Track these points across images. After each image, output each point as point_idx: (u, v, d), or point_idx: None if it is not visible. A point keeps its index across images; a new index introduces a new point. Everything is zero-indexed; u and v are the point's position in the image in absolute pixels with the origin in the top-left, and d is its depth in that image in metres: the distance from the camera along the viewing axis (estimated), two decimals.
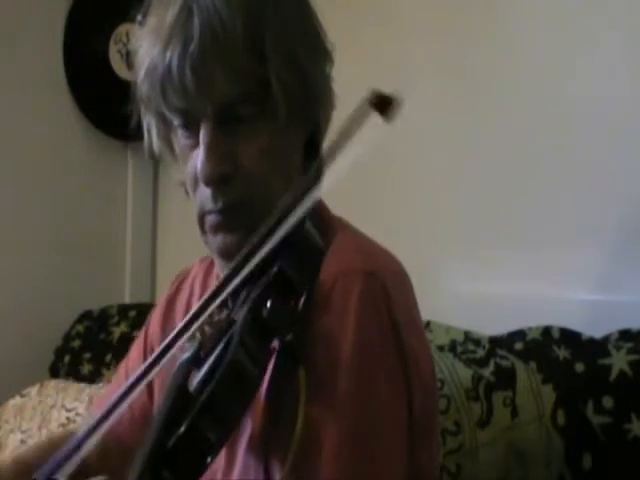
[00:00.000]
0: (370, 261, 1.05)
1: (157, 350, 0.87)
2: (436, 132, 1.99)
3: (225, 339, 0.86)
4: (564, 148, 1.78)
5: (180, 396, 0.83)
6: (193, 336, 0.90)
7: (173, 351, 0.88)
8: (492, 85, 1.90)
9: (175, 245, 2.65)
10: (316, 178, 1.13)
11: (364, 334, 1.00)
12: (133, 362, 1.29)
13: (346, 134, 0.87)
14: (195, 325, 0.87)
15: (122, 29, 2.58)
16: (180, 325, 0.87)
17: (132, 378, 0.88)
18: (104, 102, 2.62)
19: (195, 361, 0.88)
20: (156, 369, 0.88)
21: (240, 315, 0.87)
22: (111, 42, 2.58)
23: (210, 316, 0.90)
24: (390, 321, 1.03)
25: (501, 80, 1.89)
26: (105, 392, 1.38)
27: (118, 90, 2.56)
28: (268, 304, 0.86)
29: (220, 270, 1.13)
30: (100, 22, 2.60)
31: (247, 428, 1.04)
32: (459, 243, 1.93)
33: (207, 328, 0.90)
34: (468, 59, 1.94)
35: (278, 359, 0.96)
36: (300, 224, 0.90)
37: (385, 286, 1.03)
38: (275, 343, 0.90)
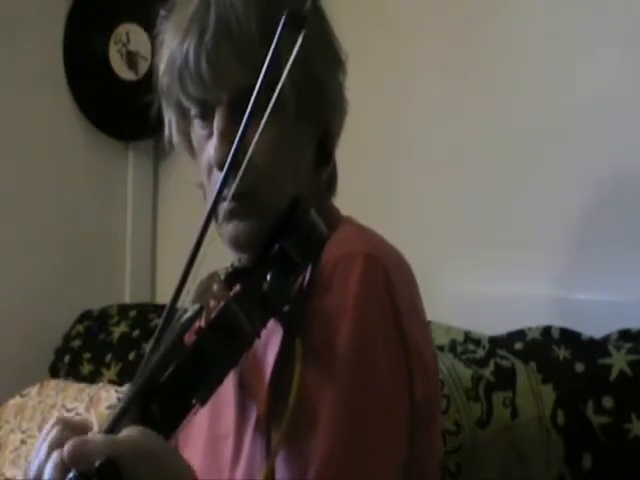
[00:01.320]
0: (372, 246, 1.08)
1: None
2: (436, 132, 1.99)
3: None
4: (565, 148, 1.78)
5: (176, 346, 0.89)
6: (195, 301, 0.93)
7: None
8: (493, 86, 1.90)
9: (175, 245, 2.65)
10: (324, 188, 1.17)
11: (363, 310, 1.02)
12: None
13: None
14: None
15: (122, 29, 2.58)
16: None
17: None
18: (104, 102, 2.62)
19: (195, 328, 0.91)
20: None
21: (242, 286, 0.93)
22: (111, 42, 2.58)
23: (214, 290, 0.94)
24: (391, 304, 1.05)
25: (502, 81, 1.89)
26: None
27: (118, 90, 2.59)
28: (268, 277, 0.91)
29: (235, 261, 1.14)
30: (100, 22, 2.60)
31: (254, 415, 1.06)
32: (459, 243, 1.93)
33: (212, 302, 0.93)
34: (468, 60, 1.94)
35: (284, 342, 0.99)
36: (305, 208, 0.95)
37: (386, 270, 1.05)
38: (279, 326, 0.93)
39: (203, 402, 0.89)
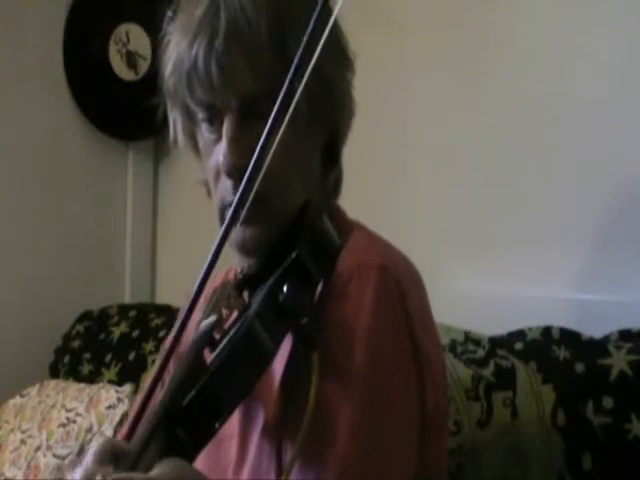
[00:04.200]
0: (385, 257, 1.08)
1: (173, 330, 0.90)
2: (436, 131, 1.99)
3: (241, 321, 0.89)
4: (566, 148, 1.77)
5: (195, 363, 0.87)
6: (208, 315, 0.92)
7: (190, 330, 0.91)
8: (494, 84, 1.90)
9: (175, 245, 2.65)
10: (331, 190, 1.16)
11: (378, 323, 1.03)
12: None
13: None
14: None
15: (122, 29, 2.58)
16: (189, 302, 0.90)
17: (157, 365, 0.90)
18: (104, 102, 2.62)
19: (210, 341, 0.90)
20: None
21: (257, 299, 0.91)
22: (111, 42, 2.58)
23: (227, 299, 0.93)
24: (404, 314, 1.05)
25: (503, 79, 1.89)
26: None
27: (118, 90, 2.59)
28: (285, 288, 0.89)
29: (239, 265, 1.14)
30: (100, 22, 2.60)
31: (260, 419, 1.06)
32: (459, 243, 1.93)
33: (225, 311, 0.93)
34: (468, 59, 1.94)
35: (294, 350, 0.98)
36: (317, 216, 0.94)
37: (399, 281, 1.06)
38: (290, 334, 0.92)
39: (223, 424, 0.88)
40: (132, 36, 2.57)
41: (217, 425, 0.86)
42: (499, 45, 1.89)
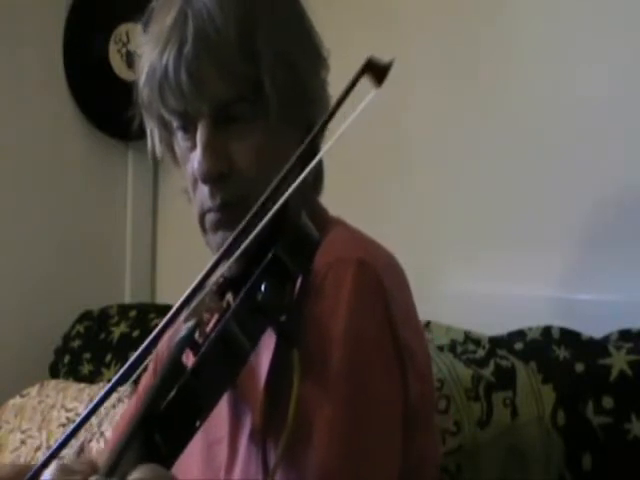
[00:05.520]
0: (363, 251, 1.07)
1: (155, 330, 0.89)
2: (436, 134, 1.99)
3: (220, 323, 0.89)
4: (565, 149, 1.78)
5: (174, 368, 0.86)
6: (189, 319, 0.91)
7: (168, 333, 0.91)
8: (492, 85, 1.90)
9: (175, 245, 2.65)
10: (310, 187, 1.15)
11: (356, 319, 1.02)
12: (145, 388, 1.29)
13: (341, 100, 0.88)
14: (190, 306, 0.90)
15: (122, 29, 2.58)
16: (176, 305, 0.89)
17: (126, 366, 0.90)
18: (104, 102, 2.62)
19: (191, 343, 0.90)
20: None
21: (237, 299, 0.90)
22: (111, 42, 2.58)
23: (207, 303, 0.92)
24: (384, 311, 1.04)
25: (501, 80, 1.89)
26: (122, 415, 1.39)
27: (118, 90, 2.59)
28: (262, 287, 0.89)
29: (225, 270, 1.13)
30: (100, 22, 2.60)
31: (248, 421, 1.05)
32: (459, 243, 1.93)
33: (205, 315, 0.92)
34: (468, 62, 1.94)
35: (277, 349, 0.98)
36: (295, 213, 0.93)
37: (378, 275, 1.04)
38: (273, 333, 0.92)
39: (203, 423, 0.87)
40: (132, 36, 2.57)
41: (197, 424, 0.86)
42: (499, 45, 1.89)
